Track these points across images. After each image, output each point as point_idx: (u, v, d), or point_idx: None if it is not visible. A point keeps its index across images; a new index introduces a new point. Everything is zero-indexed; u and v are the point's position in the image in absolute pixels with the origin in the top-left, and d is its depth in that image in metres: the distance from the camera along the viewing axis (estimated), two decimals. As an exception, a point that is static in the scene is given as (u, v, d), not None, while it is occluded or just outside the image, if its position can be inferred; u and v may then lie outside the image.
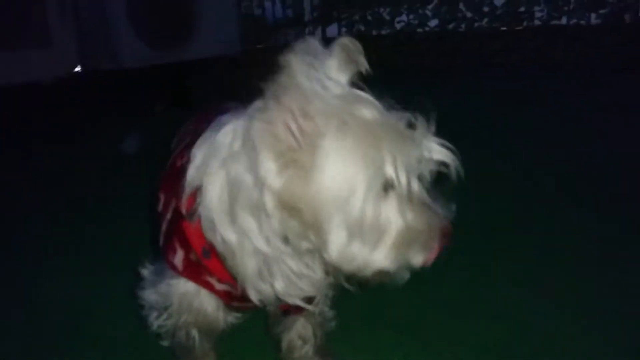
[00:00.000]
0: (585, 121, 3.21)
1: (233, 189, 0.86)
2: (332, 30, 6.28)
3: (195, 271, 0.99)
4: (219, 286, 1.00)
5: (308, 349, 1.21)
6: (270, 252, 0.87)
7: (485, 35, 5.63)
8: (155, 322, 1.07)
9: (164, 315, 1.06)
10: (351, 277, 0.89)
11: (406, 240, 0.84)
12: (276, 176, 0.80)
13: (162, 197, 1.07)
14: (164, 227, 1.04)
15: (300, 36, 1.26)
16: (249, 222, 0.86)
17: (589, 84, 4.19)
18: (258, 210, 0.84)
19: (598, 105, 3.50)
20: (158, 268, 1.08)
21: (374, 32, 6.14)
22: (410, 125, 0.85)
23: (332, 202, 0.80)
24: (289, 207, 0.82)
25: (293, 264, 0.89)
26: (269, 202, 0.82)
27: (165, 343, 1.11)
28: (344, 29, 6.24)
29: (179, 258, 1.00)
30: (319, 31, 6.34)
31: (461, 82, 4.49)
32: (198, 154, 0.95)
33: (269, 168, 0.80)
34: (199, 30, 4.01)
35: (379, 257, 0.84)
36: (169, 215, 1.02)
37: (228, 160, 0.88)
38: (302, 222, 0.83)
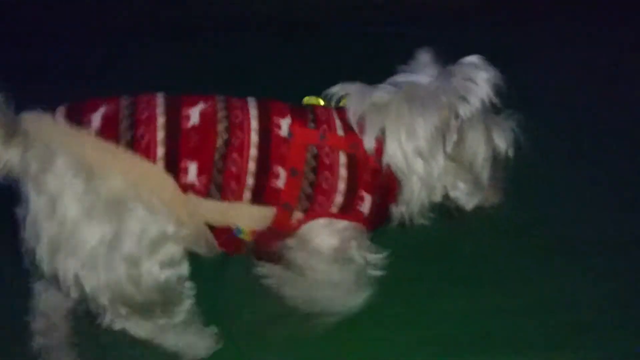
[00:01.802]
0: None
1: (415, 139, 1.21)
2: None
3: (374, 213, 1.25)
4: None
5: None
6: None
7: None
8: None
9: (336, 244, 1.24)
10: None
11: None
12: None
13: (296, 167, 1.19)
14: (341, 186, 1.20)
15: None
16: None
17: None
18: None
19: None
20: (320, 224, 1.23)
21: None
22: None
23: None
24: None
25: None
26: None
27: None
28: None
29: (367, 205, 1.23)
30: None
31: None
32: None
33: None
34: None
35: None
36: (342, 173, 1.20)
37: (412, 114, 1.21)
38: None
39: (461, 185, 1.29)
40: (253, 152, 1.16)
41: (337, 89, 1.29)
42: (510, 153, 1.29)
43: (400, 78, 1.30)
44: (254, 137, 1.16)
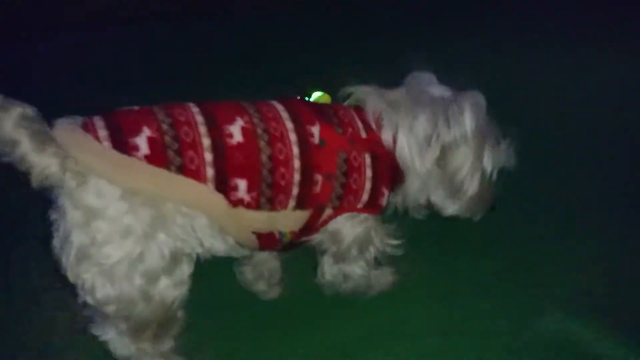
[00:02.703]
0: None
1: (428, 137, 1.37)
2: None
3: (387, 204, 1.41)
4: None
5: None
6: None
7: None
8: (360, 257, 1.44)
9: (362, 232, 1.41)
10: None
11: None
12: None
13: (330, 172, 1.30)
14: (367, 185, 1.34)
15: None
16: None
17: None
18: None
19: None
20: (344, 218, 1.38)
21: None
22: None
23: None
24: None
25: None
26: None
27: None
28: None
29: (385, 199, 1.39)
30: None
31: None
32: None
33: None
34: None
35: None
36: (369, 173, 1.33)
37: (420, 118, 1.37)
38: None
39: (440, 191, 1.43)
40: (297, 164, 1.25)
41: (353, 90, 1.41)
42: (494, 176, 1.44)
43: (411, 85, 1.46)
44: (295, 150, 1.25)
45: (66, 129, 1.11)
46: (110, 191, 1.11)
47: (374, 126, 1.37)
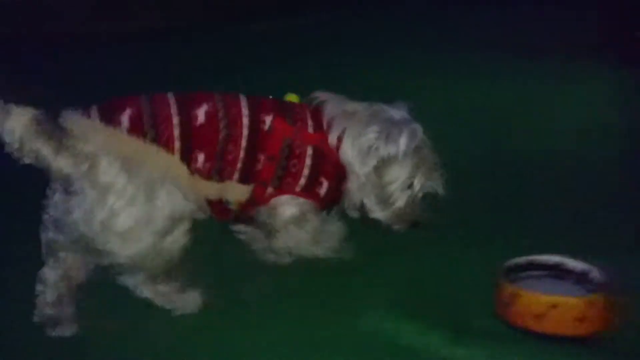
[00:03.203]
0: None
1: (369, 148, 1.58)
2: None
3: (328, 196, 1.63)
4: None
5: None
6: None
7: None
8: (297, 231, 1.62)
9: (297, 213, 1.60)
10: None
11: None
12: None
13: (273, 154, 1.53)
14: (305, 172, 1.56)
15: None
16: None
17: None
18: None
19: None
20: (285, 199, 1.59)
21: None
22: None
23: None
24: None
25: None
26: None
27: None
28: None
29: (324, 189, 1.60)
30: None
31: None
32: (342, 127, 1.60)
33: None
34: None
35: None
36: (308, 162, 1.56)
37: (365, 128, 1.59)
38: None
39: (372, 197, 1.64)
40: (244, 143, 1.51)
41: (318, 95, 1.67)
42: (420, 195, 1.64)
43: (376, 104, 1.67)
44: (245, 132, 1.51)
45: (70, 117, 1.39)
46: (113, 166, 1.37)
47: (325, 127, 1.60)
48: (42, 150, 1.32)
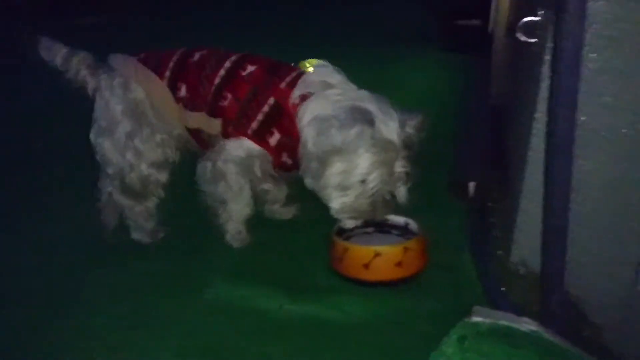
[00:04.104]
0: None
1: (324, 119, 1.55)
2: None
3: (279, 148, 1.66)
4: (284, 158, 1.69)
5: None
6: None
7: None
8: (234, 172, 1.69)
9: (243, 156, 1.68)
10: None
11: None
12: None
13: (240, 97, 1.65)
14: (259, 116, 1.63)
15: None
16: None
17: None
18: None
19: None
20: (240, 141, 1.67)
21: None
22: None
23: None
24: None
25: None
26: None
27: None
28: None
29: (274, 139, 1.65)
30: None
31: None
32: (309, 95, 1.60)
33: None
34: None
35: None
36: (265, 109, 1.63)
37: (329, 107, 1.56)
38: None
39: (310, 176, 1.60)
40: (217, 81, 1.67)
41: (317, 62, 1.69)
42: (373, 194, 1.54)
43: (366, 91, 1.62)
44: (222, 73, 1.68)
45: (114, 56, 1.77)
46: (116, 83, 1.72)
47: (297, 90, 1.60)
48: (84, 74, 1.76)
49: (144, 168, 1.74)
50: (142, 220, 1.83)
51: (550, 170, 1.11)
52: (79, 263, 1.77)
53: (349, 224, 1.64)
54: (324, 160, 1.53)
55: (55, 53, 1.74)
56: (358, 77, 1.67)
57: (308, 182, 1.62)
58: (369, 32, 4.64)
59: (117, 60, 1.76)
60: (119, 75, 1.73)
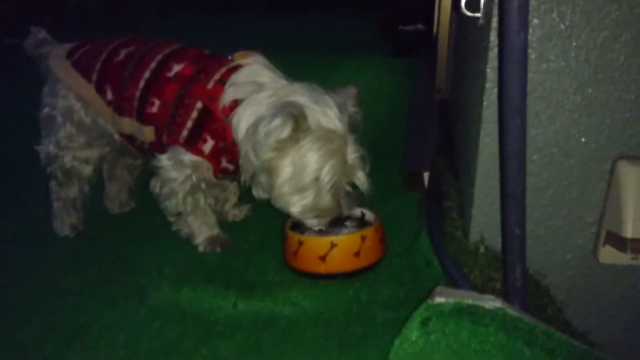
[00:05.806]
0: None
1: (256, 123, 1.43)
2: None
3: (215, 155, 1.54)
4: (224, 164, 1.57)
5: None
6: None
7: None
8: (179, 186, 1.57)
9: (182, 177, 1.56)
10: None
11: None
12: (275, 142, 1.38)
13: (167, 101, 1.54)
14: (189, 124, 1.51)
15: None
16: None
17: None
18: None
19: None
20: (174, 153, 1.56)
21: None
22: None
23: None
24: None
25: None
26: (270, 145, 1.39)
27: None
28: None
29: (208, 146, 1.52)
30: None
31: None
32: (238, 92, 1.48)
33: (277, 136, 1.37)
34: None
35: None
36: (194, 114, 1.51)
37: (262, 111, 1.44)
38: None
39: (261, 189, 1.51)
40: (141, 84, 1.56)
41: (248, 54, 1.56)
42: (330, 188, 1.43)
43: (303, 85, 1.48)
44: (147, 74, 1.57)
45: (55, 51, 1.73)
46: (62, 91, 1.68)
47: (226, 96, 1.47)
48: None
49: (68, 161, 1.73)
50: (64, 210, 1.81)
51: (505, 136, 1.08)
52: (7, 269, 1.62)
53: (315, 225, 1.50)
54: (270, 170, 1.43)
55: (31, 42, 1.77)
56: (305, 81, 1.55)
57: (258, 193, 1.53)
58: (316, 40, 4.71)
59: (54, 60, 1.71)
60: (53, 78, 1.70)
